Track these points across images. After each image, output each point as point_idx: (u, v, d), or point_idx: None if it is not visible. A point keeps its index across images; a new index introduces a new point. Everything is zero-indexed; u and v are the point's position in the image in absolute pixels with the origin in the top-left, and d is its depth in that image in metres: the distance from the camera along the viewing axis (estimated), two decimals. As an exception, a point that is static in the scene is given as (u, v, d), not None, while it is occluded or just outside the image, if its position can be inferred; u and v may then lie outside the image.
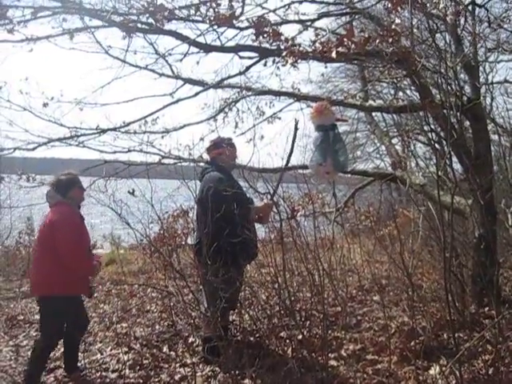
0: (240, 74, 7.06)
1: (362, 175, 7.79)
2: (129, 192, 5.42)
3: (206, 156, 5.63)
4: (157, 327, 6.04)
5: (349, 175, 8.70)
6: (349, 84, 12.91)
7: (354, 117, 12.38)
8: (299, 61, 4.40)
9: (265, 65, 6.02)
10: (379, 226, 8.30)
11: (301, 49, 4.45)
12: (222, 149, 4.86)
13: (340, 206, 7.77)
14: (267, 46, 5.08)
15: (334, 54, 4.14)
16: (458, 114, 4.82)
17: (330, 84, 13.71)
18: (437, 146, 7.48)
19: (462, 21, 5.49)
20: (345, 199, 8.34)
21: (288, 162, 4.21)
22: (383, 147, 10.09)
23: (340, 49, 4.08)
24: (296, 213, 5.18)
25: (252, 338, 4.93)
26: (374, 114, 8.59)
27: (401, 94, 9.13)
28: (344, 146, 4.35)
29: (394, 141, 12.65)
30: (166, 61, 7.10)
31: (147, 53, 7.14)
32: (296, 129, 4.04)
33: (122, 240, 12.77)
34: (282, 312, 4.67)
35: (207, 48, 6.03)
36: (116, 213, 4.78)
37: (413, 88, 7.49)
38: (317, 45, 4.43)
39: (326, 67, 5.33)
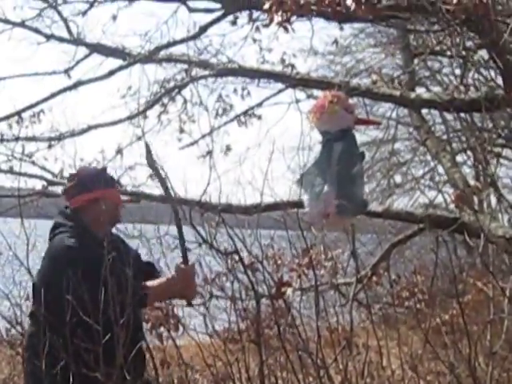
0: (190, 38, 7.13)
1: (402, 220, 7.79)
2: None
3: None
4: None
5: (378, 219, 8.70)
6: (380, 59, 13.05)
7: (388, 116, 12.53)
8: (293, 18, 4.40)
9: (234, 23, 6.06)
10: (433, 309, 8.28)
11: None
12: (93, 192, 4.67)
13: (364, 274, 7.73)
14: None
15: (352, 5, 4.13)
16: None
17: (349, 57, 13.85)
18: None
19: None
20: (372, 261, 8.32)
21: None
22: (441, 169, 10.14)
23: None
24: (285, 287, 5.14)
25: None
26: (424, 111, 8.66)
27: (471, 78, 9.24)
28: (359, 166, 4.33)
29: (461, 159, 12.83)
30: (60, 13, 7.13)
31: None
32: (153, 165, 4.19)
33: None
34: None
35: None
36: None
37: (492, 68, 7.57)
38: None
39: (341, 29, 5.35)
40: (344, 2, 4.22)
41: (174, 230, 5.15)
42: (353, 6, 4.19)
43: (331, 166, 4.13)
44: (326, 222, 4.31)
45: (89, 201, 4.46)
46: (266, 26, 4.38)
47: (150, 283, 4.49)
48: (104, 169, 4.84)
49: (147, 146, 4.16)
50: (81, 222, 4.47)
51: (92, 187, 4.44)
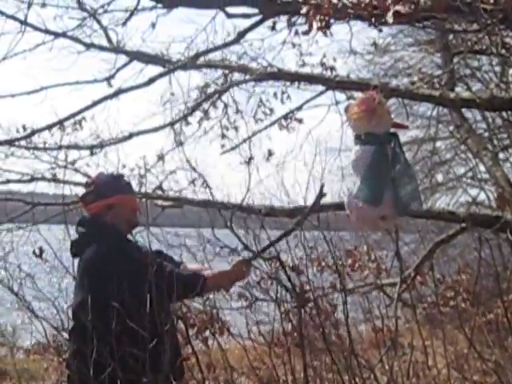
0: (229, 44, 7.16)
1: (444, 219, 7.76)
2: (34, 253, 5.45)
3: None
4: None
5: (421, 219, 8.66)
6: (420, 58, 13.01)
7: (429, 115, 12.46)
8: (332, 22, 4.43)
9: (272, 28, 6.07)
10: (478, 308, 8.23)
11: (335, 0, 4.49)
12: (110, 198, 4.64)
13: (408, 274, 7.71)
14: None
15: (389, 17, 4.16)
16: None
17: (388, 57, 13.79)
18: None
19: None
20: (416, 261, 8.29)
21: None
22: (483, 167, 10.09)
23: (400, 7, 4.08)
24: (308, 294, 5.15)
25: None
26: (465, 109, 8.62)
27: (511, 75, 9.21)
28: (411, 169, 4.35)
29: (503, 156, 12.72)
30: (99, 22, 7.22)
31: (65, 7, 7.28)
32: (320, 195, 4.13)
33: (18, 337, 12.65)
34: None
35: (170, -1, 6.16)
36: (9, 290, 4.80)
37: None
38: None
39: (380, 31, 5.34)
40: (385, 12, 4.24)
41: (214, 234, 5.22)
42: (389, 17, 4.21)
43: (388, 168, 4.14)
44: (381, 224, 4.31)
45: (105, 207, 4.47)
46: (306, 33, 4.37)
47: (205, 272, 4.51)
48: (120, 175, 4.89)
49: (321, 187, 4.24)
50: (105, 227, 4.46)
51: (108, 193, 4.46)
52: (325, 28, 4.41)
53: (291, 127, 8.27)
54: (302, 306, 4.89)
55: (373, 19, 4.53)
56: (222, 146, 8.37)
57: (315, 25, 4.38)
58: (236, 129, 8.31)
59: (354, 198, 4.25)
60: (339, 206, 5.79)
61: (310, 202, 4.43)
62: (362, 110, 4.21)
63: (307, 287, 5.21)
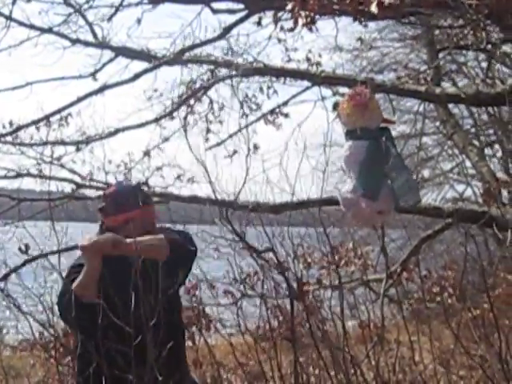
0: (215, 39, 7.15)
1: (431, 215, 7.79)
2: (19, 249, 5.44)
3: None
4: None
5: (408, 214, 8.68)
6: (406, 53, 13.05)
7: (415, 110, 12.49)
8: (317, 17, 4.42)
9: (258, 24, 6.07)
10: (464, 303, 8.25)
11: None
12: (130, 212, 4.58)
13: (394, 270, 7.73)
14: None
15: (374, 7, 4.16)
16: None
17: (374, 52, 13.81)
18: None
19: None
20: (402, 257, 8.31)
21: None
22: (469, 163, 10.13)
23: (385, -2, 4.08)
24: (306, 287, 5.15)
25: None
26: (451, 105, 8.64)
27: (497, 70, 9.23)
28: (403, 163, 4.37)
29: (489, 152, 12.78)
30: (85, 18, 7.20)
31: (50, 2, 7.26)
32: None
33: (5, 334, 12.58)
34: None
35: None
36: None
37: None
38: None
39: (365, 26, 5.33)
40: (368, 4, 4.24)
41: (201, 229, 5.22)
42: (374, 7, 4.21)
43: (383, 163, 4.15)
44: (377, 218, 4.32)
45: (124, 221, 4.45)
46: (292, 30, 4.36)
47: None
48: (139, 184, 4.88)
49: None
50: None
51: (128, 208, 4.46)
52: (310, 24, 4.40)
53: (277, 123, 8.29)
54: (300, 299, 4.91)
55: (358, 15, 4.53)
56: (207, 140, 8.38)
57: (300, 21, 4.37)
58: (221, 123, 8.32)
59: (350, 194, 4.26)
60: (326, 202, 5.80)
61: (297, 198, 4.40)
62: (354, 105, 4.22)
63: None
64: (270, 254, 4.93)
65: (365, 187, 4.18)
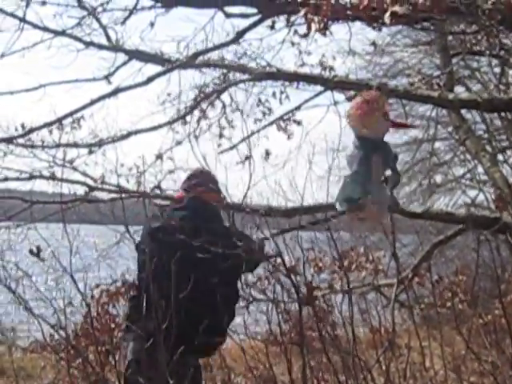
0: (228, 43, 7.15)
1: (443, 220, 7.76)
2: (30, 251, 5.45)
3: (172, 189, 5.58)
4: None
5: (419, 220, 8.65)
6: (419, 58, 13.02)
7: (428, 115, 12.46)
8: (330, 23, 4.42)
9: (272, 28, 6.07)
10: (475, 309, 8.22)
11: (333, 0, 4.48)
12: (213, 193, 4.88)
13: (405, 275, 7.71)
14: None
15: (387, 18, 4.16)
16: None
17: (388, 57, 13.81)
18: None
19: None
20: (414, 262, 8.29)
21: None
22: (481, 168, 10.10)
23: (398, 8, 4.07)
24: (315, 291, 5.15)
25: None
26: (464, 111, 8.62)
27: (511, 76, 9.21)
28: (395, 169, 4.39)
29: (501, 158, 12.72)
30: (99, 21, 7.22)
31: (65, 5, 7.29)
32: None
33: (17, 336, 12.61)
34: None
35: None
36: (7, 287, 4.80)
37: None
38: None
39: (379, 30, 5.32)
40: (382, 13, 4.23)
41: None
42: (387, 18, 4.21)
43: (370, 171, 4.17)
44: (356, 222, 4.36)
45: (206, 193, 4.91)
46: (305, 35, 4.37)
47: None
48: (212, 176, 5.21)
49: None
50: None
51: (211, 188, 4.94)
52: (323, 29, 4.40)
53: (289, 130, 8.28)
54: (310, 304, 4.90)
55: (371, 21, 4.53)
56: (219, 145, 8.38)
57: (314, 26, 4.37)
58: (233, 128, 8.32)
59: (341, 196, 4.31)
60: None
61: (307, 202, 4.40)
62: (358, 115, 4.24)
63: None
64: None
65: (346, 196, 4.26)
